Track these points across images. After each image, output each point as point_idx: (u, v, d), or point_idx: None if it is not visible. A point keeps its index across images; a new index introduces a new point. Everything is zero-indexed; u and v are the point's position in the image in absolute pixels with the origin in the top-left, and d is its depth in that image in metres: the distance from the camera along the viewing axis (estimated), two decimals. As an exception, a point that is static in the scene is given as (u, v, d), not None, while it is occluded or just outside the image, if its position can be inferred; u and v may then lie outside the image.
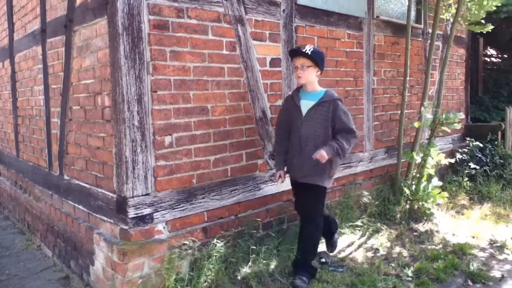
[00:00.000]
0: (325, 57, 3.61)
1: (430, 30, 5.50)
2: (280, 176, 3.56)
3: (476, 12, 5.37)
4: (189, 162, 3.43)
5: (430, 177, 5.11)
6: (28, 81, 4.89)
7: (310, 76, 3.42)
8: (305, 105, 3.43)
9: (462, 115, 4.94)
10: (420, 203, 4.85)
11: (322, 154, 3.21)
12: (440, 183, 5.10)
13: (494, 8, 5.36)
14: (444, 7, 5.51)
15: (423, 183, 5.00)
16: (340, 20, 4.71)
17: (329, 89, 3.56)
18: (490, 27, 5.55)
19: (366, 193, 4.97)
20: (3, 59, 5.76)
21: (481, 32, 5.75)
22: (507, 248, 4.19)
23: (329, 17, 4.57)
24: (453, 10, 5.44)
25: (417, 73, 5.90)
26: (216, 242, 3.49)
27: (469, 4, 5.36)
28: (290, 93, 3.81)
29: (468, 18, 5.48)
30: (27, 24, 4.74)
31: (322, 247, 4.05)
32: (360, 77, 5.03)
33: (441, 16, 5.41)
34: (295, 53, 3.46)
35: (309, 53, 3.32)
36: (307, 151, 3.36)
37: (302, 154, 3.41)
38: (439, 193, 4.99)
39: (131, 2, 3.01)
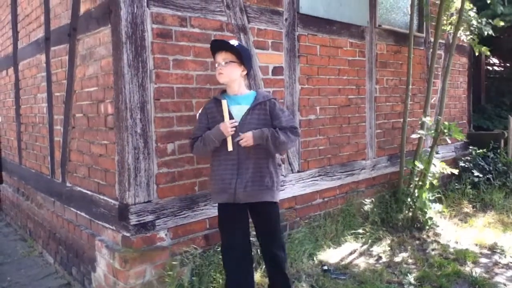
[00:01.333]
0: (251, 57, 3.04)
1: (432, 39, 5.51)
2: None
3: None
4: (191, 169, 3.44)
5: (432, 188, 5.10)
6: (31, 88, 4.92)
7: (233, 73, 2.88)
8: (237, 110, 2.88)
9: (462, 135, 4.94)
10: (422, 211, 4.83)
11: (247, 135, 2.76)
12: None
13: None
14: (445, 17, 5.53)
15: (425, 192, 4.99)
16: (342, 28, 4.73)
17: (258, 89, 3.31)
18: (487, 52, 5.76)
19: (368, 200, 4.96)
20: (7, 67, 5.80)
21: (483, 40, 5.80)
22: (510, 256, 4.17)
23: (331, 25, 4.60)
24: (455, 20, 5.46)
25: (420, 82, 5.91)
26: (218, 249, 3.49)
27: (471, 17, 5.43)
28: (208, 101, 3.10)
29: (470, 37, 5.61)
30: (31, 33, 4.78)
31: (323, 255, 4.04)
32: (363, 85, 5.05)
33: (443, 27, 5.44)
34: (217, 46, 2.94)
35: (235, 45, 2.87)
36: (249, 164, 2.84)
37: (242, 171, 2.83)
38: (441, 211, 4.99)
39: (135, 11, 3.04)
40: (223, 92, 3.03)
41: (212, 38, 3.52)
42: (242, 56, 2.87)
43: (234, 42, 2.91)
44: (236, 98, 2.94)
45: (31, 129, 5.02)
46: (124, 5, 2.98)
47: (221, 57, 2.89)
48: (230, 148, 2.80)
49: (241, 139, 2.78)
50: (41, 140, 4.69)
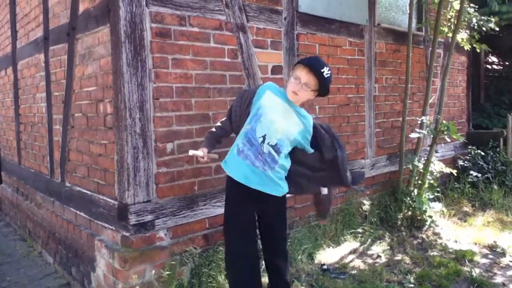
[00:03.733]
0: (329, 88, 2.76)
1: (431, 37, 5.52)
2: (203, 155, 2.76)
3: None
4: (191, 169, 3.44)
5: (431, 187, 5.10)
6: (30, 88, 4.91)
7: (305, 98, 2.72)
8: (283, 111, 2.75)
9: (459, 135, 4.94)
10: (421, 211, 4.83)
11: None
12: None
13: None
14: (444, 16, 5.53)
15: (425, 191, 4.99)
16: (342, 27, 4.73)
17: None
18: (487, 48, 5.83)
19: (367, 200, 4.96)
20: (6, 66, 5.79)
21: (482, 39, 5.81)
22: (510, 255, 4.17)
23: (330, 24, 4.59)
24: (454, 19, 5.46)
25: (419, 80, 5.91)
26: (218, 249, 3.49)
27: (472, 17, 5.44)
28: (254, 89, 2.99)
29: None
30: (30, 32, 4.78)
31: (323, 254, 4.04)
32: (362, 84, 5.04)
33: (442, 28, 5.45)
34: (310, 65, 2.63)
35: (325, 76, 2.62)
36: None
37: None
38: (440, 211, 4.99)
39: (134, 10, 3.03)
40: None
41: (212, 37, 3.51)
42: (324, 89, 2.67)
43: (327, 71, 2.63)
44: (295, 106, 2.75)
45: (30, 129, 5.01)
46: (123, 4, 2.97)
47: (306, 78, 2.61)
48: None
49: None
50: (40, 139, 4.68)
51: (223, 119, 3.00)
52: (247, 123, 2.71)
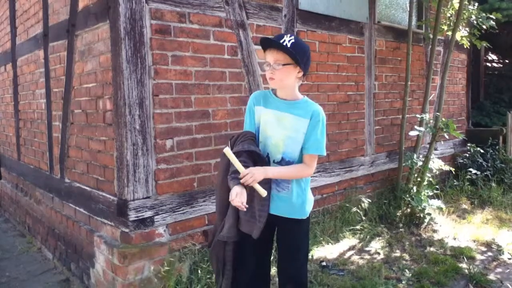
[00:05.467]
0: (310, 55, 2.35)
1: (431, 35, 5.52)
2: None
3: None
4: (190, 166, 3.44)
5: (431, 184, 5.10)
6: (30, 84, 4.91)
7: (287, 78, 2.28)
8: (287, 121, 2.37)
9: (458, 133, 4.94)
10: (420, 208, 4.84)
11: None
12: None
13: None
14: (444, 14, 5.53)
15: (424, 188, 5.00)
16: (342, 25, 4.72)
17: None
18: (486, 44, 5.81)
19: (367, 197, 4.97)
20: (6, 62, 5.78)
21: (482, 37, 5.81)
22: (508, 252, 4.18)
23: (330, 22, 4.59)
24: (454, 17, 5.45)
25: (418, 78, 5.91)
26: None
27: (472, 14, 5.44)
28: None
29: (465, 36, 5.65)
30: (30, 28, 4.77)
31: (322, 251, 4.05)
32: (362, 81, 5.05)
33: (442, 26, 5.45)
34: (267, 43, 2.30)
35: (288, 45, 2.21)
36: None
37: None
38: (439, 207, 4.99)
39: (133, 7, 3.03)
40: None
41: (211, 34, 3.52)
42: (298, 57, 2.22)
43: (288, 39, 2.24)
44: (286, 105, 2.35)
45: (29, 125, 5.01)
46: (122, 1, 2.97)
47: (272, 57, 2.25)
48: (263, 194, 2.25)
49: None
50: (39, 136, 4.68)
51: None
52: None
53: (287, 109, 2.34)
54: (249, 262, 2.48)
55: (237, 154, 2.25)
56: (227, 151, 2.20)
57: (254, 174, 2.17)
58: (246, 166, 2.22)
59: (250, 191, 2.28)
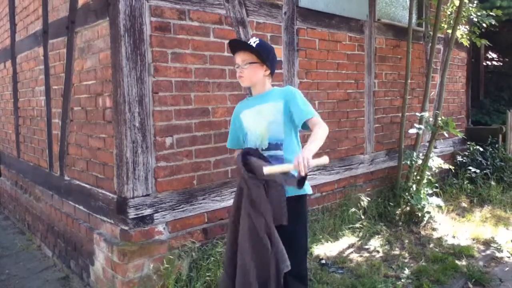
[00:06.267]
0: (275, 55, 2.62)
1: (431, 33, 5.51)
2: None
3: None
4: (190, 163, 3.44)
5: (430, 183, 5.11)
6: (29, 82, 4.90)
7: (255, 75, 2.52)
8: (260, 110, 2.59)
9: (457, 131, 4.93)
10: (420, 206, 4.84)
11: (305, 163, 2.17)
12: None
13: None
14: (444, 12, 5.52)
15: (423, 186, 5.00)
16: (342, 22, 4.72)
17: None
18: (486, 42, 5.79)
19: (366, 195, 4.97)
20: (5, 59, 5.77)
21: (482, 35, 5.80)
22: (507, 251, 4.19)
23: (330, 19, 4.58)
24: (454, 15, 5.45)
25: (418, 76, 5.91)
26: (216, 243, 3.50)
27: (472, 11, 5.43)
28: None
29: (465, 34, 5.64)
30: (29, 25, 4.76)
31: (321, 249, 4.06)
32: (361, 79, 5.04)
33: (442, 25, 5.44)
34: (235, 46, 2.57)
35: (254, 45, 2.49)
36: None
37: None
38: (438, 206, 4.99)
39: (133, 3, 3.02)
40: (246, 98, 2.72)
41: (211, 32, 3.51)
42: (263, 56, 2.49)
43: (253, 41, 2.53)
44: (261, 97, 2.58)
45: (29, 123, 5.01)
46: (122, -2, 2.97)
47: (240, 58, 2.52)
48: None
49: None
50: (39, 133, 4.68)
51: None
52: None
53: (263, 100, 2.56)
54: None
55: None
56: (267, 170, 2.21)
57: (304, 158, 2.12)
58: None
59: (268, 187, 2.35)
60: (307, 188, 2.52)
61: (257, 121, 2.55)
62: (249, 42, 2.54)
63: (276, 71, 3.98)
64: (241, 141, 2.69)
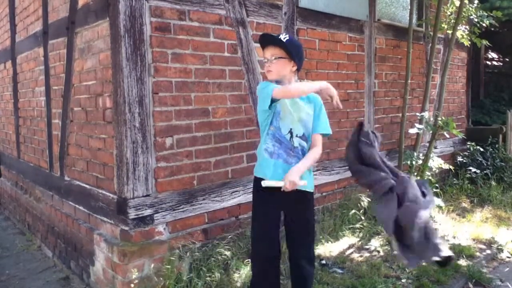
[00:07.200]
0: (303, 52, 2.76)
1: (431, 33, 5.51)
2: None
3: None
4: (190, 164, 3.44)
5: (430, 183, 5.10)
6: (29, 82, 4.90)
7: (283, 70, 2.62)
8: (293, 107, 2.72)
9: (457, 131, 4.93)
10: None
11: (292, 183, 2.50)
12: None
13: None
14: (444, 12, 5.52)
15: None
16: (342, 23, 4.72)
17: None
18: (485, 41, 5.78)
19: (366, 195, 4.96)
20: (5, 60, 5.77)
21: (482, 35, 5.80)
22: (507, 251, 4.19)
23: (330, 20, 4.58)
24: (454, 14, 5.45)
25: (418, 76, 5.91)
26: (217, 243, 3.50)
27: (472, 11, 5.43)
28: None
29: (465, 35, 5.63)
30: (29, 26, 4.76)
31: (321, 249, 4.05)
32: (361, 79, 5.04)
33: (442, 25, 5.44)
34: (265, 41, 2.67)
35: (284, 41, 2.59)
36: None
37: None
38: (438, 206, 4.98)
39: (133, 4, 3.02)
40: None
41: (211, 32, 3.51)
42: (292, 52, 2.60)
43: (284, 36, 2.62)
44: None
45: (29, 123, 5.01)
46: (122, -2, 2.97)
47: (270, 52, 2.62)
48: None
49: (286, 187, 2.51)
50: (39, 134, 4.68)
51: None
52: (269, 124, 2.66)
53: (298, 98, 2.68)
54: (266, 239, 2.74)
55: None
56: (265, 183, 2.56)
57: (291, 181, 2.49)
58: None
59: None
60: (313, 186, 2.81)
61: (295, 107, 2.66)
62: (280, 37, 2.62)
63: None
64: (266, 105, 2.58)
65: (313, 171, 4.41)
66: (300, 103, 2.68)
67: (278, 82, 2.64)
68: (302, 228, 2.76)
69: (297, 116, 2.67)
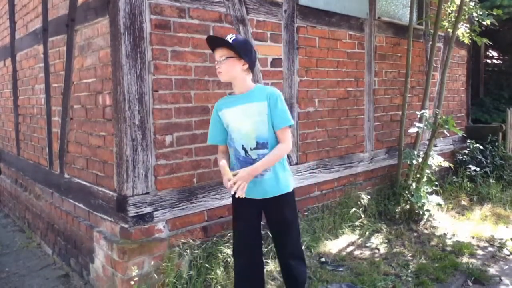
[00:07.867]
0: (251, 48, 2.70)
1: (431, 32, 5.51)
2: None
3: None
4: (190, 161, 3.44)
5: (430, 181, 5.10)
6: (29, 79, 4.90)
7: (233, 70, 2.58)
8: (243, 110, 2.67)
9: (457, 129, 4.92)
10: (420, 204, 4.84)
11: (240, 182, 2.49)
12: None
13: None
14: (445, 10, 5.51)
15: (423, 185, 5.00)
16: (342, 21, 4.71)
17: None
18: (487, 41, 5.76)
19: (366, 193, 4.97)
20: (5, 57, 5.77)
21: (483, 33, 5.80)
22: (507, 249, 4.19)
23: (330, 17, 4.58)
24: (454, 13, 5.44)
25: (418, 74, 5.90)
26: (216, 241, 3.50)
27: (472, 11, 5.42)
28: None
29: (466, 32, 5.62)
30: (29, 23, 4.75)
31: (321, 247, 4.06)
32: (361, 77, 5.04)
33: (442, 23, 5.44)
34: (213, 44, 2.66)
35: (230, 41, 2.54)
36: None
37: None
38: (438, 204, 4.98)
39: (133, 1, 3.02)
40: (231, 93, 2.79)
41: (211, 29, 3.51)
42: (240, 50, 2.55)
43: (230, 37, 2.58)
44: (244, 97, 2.65)
45: (29, 120, 5.00)
46: (122, -4, 2.96)
47: (218, 54, 2.61)
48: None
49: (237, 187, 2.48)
50: (39, 131, 4.68)
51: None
52: (228, 147, 2.73)
53: (248, 100, 2.63)
54: (244, 253, 2.78)
55: None
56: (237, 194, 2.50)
57: (242, 183, 2.47)
58: None
59: None
60: (292, 186, 2.75)
61: (243, 121, 2.63)
62: (226, 38, 2.59)
63: (276, 69, 4.01)
64: (222, 137, 2.75)
65: (313, 169, 4.45)
66: (252, 106, 2.61)
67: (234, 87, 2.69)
68: (282, 228, 2.76)
69: (246, 128, 2.61)
